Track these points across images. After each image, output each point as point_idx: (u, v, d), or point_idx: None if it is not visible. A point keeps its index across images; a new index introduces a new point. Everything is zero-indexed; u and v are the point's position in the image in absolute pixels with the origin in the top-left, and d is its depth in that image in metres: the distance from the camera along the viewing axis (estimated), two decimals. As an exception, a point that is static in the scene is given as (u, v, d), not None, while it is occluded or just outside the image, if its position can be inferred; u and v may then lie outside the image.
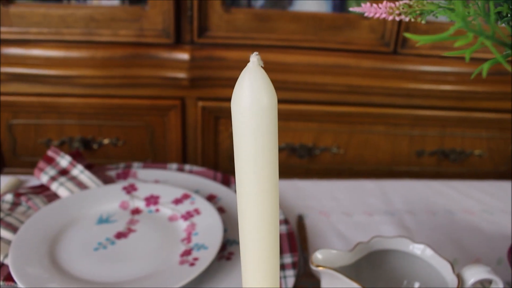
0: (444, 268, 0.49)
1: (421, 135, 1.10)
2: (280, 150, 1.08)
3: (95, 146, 1.10)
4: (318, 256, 0.48)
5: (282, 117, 1.05)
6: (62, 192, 0.74)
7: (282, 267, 0.60)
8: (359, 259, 0.51)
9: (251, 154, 0.30)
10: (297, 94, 1.02)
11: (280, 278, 0.58)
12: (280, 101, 0.95)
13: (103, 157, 1.10)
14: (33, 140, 1.10)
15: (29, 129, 1.08)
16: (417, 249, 0.52)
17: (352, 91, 1.01)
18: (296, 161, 1.09)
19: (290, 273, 0.59)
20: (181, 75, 0.99)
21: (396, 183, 0.90)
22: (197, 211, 0.67)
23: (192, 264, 0.56)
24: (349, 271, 0.49)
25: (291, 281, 0.57)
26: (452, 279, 0.47)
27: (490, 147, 1.14)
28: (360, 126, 1.07)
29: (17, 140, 1.09)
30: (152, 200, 0.71)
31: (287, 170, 1.09)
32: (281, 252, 0.63)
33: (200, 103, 1.03)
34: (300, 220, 0.74)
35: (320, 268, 0.46)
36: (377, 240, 0.53)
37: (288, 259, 0.61)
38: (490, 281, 0.50)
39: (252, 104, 0.28)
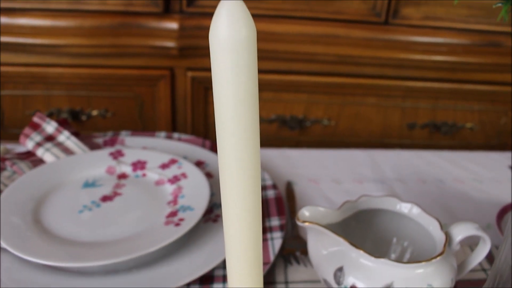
0: (431, 226, 0.49)
1: (413, 107, 1.09)
2: (271, 121, 1.07)
3: (83, 117, 1.08)
4: (305, 212, 0.47)
5: (273, 88, 1.04)
6: (48, 157, 0.73)
7: (270, 229, 0.60)
8: (346, 218, 0.51)
9: (230, 90, 0.29)
10: (288, 64, 1.01)
11: (267, 239, 0.58)
12: (270, 72, 0.94)
13: (92, 129, 1.08)
14: (21, 112, 1.09)
15: (17, 100, 1.07)
16: (405, 208, 0.51)
17: (343, 61, 1.00)
18: (287, 133, 1.08)
19: (278, 235, 0.58)
20: (170, 44, 0.97)
21: (387, 153, 0.89)
22: (184, 175, 0.66)
23: (177, 225, 0.55)
24: (336, 229, 0.49)
25: (278, 242, 0.57)
26: (440, 236, 0.47)
27: (482, 120, 1.13)
28: (351, 97, 1.06)
29: (5, 112, 1.08)
30: (139, 165, 0.70)
31: (277, 142, 1.08)
32: (269, 215, 0.63)
33: (190, 74, 1.02)
34: (289, 186, 0.73)
35: (307, 224, 0.45)
36: (364, 199, 0.52)
37: (275, 222, 0.61)
38: (477, 240, 0.50)
39: (230, 36, 0.27)
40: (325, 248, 0.46)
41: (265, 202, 0.66)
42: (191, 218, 0.55)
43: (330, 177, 0.79)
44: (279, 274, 0.55)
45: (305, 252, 0.58)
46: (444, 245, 0.45)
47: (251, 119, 0.30)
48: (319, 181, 0.77)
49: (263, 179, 0.72)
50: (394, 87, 1.05)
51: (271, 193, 0.68)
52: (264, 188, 0.69)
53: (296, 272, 0.56)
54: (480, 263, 0.59)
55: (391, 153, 0.89)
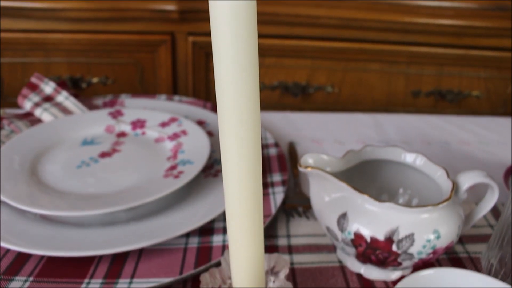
0: (438, 175, 0.47)
1: (418, 74, 1.07)
2: (273, 88, 1.05)
3: (84, 85, 1.07)
4: (308, 159, 0.46)
5: (274, 53, 1.02)
6: (46, 117, 0.71)
7: (272, 184, 0.59)
8: (350, 167, 0.49)
9: (230, 53, 0.27)
10: (290, 28, 0.99)
11: (269, 194, 0.57)
12: (272, 36, 0.91)
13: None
14: (20, 80, 1.07)
15: (16, 68, 1.05)
16: (410, 157, 0.50)
17: (346, 25, 0.98)
18: (289, 100, 1.07)
19: (279, 189, 0.57)
20: (170, 7, 0.95)
21: (391, 116, 0.88)
22: (184, 132, 0.65)
23: (176, 177, 0.54)
24: (339, 177, 0.47)
25: (280, 196, 0.56)
26: (447, 185, 0.45)
27: (488, 87, 1.11)
28: (354, 63, 1.04)
29: (4, 80, 1.06)
30: (138, 124, 0.69)
31: (280, 109, 1.07)
32: (271, 171, 0.62)
33: (191, 38, 1.00)
34: (292, 146, 0.72)
35: (309, 169, 0.44)
36: (368, 149, 0.51)
37: (277, 178, 0.60)
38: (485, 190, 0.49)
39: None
40: (328, 195, 0.45)
41: (267, 160, 0.64)
42: (191, 171, 0.54)
43: (333, 138, 0.77)
44: (281, 228, 0.54)
45: (307, 207, 0.57)
46: (451, 191, 0.43)
47: (251, 79, 0.28)
48: (322, 141, 0.76)
49: (265, 138, 0.70)
50: (398, 52, 1.03)
51: (273, 151, 0.66)
52: (266, 146, 0.68)
53: (298, 226, 0.55)
54: (486, 219, 0.58)
55: (396, 116, 0.88)
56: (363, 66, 1.05)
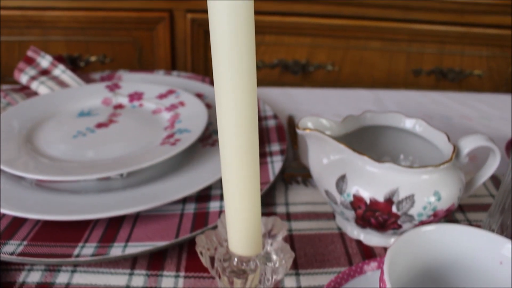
0: (439, 140, 0.47)
1: (419, 52, 1.06)
2: (273, 66, 1.04)
3: (82, 64, 1.06)
4: (306, 122, 0.45)
5: (274, 30, 1.01)
6: (42, 90, 0.71)
7: (270, 154, 0.58)
8: (349, 133, 0.48)
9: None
10: (290, 5, 0.98)
11: (267, 163, 0.56)
12: (271, 13, 0.90)
13: (90, 75, 1.06)
14: (17, 59, 1.06)
15: (13, 47, 1.04)
16: (410, 123, 0.49)
17: (347, 2, 0.97)
18: (289, 78, 1.06)
19: (278, 158, 0.56)
20: (169, -17, 0.94)
21: (392, 92, 0.87)
22: (182, 103, 0.64)
23: (173, 144, 0.53)
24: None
25: (278, 165, 0.55)
26: (448, 149, 0.45)
27: (490, 66, 1.10)
28: (355, 41, 1.03)
29: (1, 59, 1.05)
30: (135, 96, 0.68)
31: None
32: (269, 141, 0.61)
33: (189, 16, 0.99)
34: (291, 119, 0.71)
35: (307, 131, 0.43)
36: (368, 115, 0.50)
37: (276, 147, 0.59)
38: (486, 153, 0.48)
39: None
40: (327, 157, 0.44)
41: (265, 131, 0.64)
42: (188, 138, 0.53)
43: (333, 112, 0.76)
44: (280, 196, 0.54)
45: (306, 176, 0.56)
46: (452, 153, 0.43)
47: (247, 50, 0.28)
48: (322, 115, 0.75)
49: (263, 110, 0.69)
50: (399, 30, 1.02)
51: (272, 123, 0.66)
52: (264, 118, 0.67)
53: (296, 195, 0.54)
54: (487, 188, 0.57)
55: (397, 92, 0.87)
56: (364, 44, 1.04)
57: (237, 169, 0.33)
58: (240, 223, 0.37)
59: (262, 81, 1.03)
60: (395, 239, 0.31)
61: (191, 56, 1.03)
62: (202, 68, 1.05)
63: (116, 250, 0.42)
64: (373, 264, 0.40)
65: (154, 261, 0.44)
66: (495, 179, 0.60)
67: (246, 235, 0.37)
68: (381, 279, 0.29)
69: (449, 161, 0.42)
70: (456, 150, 0.44)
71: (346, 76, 1.06)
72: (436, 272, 0.34)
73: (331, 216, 0.51)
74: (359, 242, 0.47)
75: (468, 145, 0.45)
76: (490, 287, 0.33)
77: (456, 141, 0.46)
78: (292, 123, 0.69)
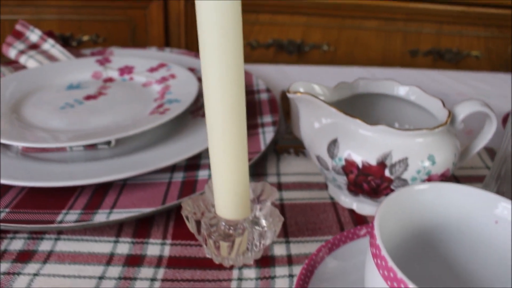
0: (434, 106, 0.45)
1: (416, 32, 1.04)
2: (268, 46, 1.03)
3: (74, 43, 1.04)
4: (298, 86, 0.43)
5: (269, 9, 1.00)
6: (31, 64, 0.69)
7: (262, 125, 0.57)
8: (341, 100, 0.47)
9: None
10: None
11: (259, 133, 0.55)
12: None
13: (83, 55, 1.05)
14: (9, 39, 1.04)
15: (4, 26, 1.02)
16: (404, 90, 0.48)
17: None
18: (284, 58, 1.04)
19: (270, 129, 0.55)
20: (162, -41, 0.92)
21: (387, 69, 0.85)
22: (172, 76, 0.63)
23: (162, 113, 0.52)
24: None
25: (270, 135, 0.54)
26: (443, 114, 0.43)
27: (488, 47, 1.09)
28: (350, 20, 1.02)
29: (-9, 40, 1.03)
30: (126, 70, 0.66)
31: (275, 68, 1.05)
32: (262, 113, 0.60)
33: (183, -7, 0.98)
34: (284, 94, 0.70)
35: (299, 94, 0.42)
36: (361, 82, 0.49)
37: (268, 119, 0.58)
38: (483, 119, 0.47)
39: None
40: (318, 121, 0.43)
41: (257, 104, 0.62)
42: (177, 108, 0.52)
43: (328, 88, 0.75)
44: (271, 167, 0.52)
45: (299, 148, 0.55)
46: (448, 117, 0.41)
47: (233, 14, 0.27)
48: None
49: (257, 85, 0.68)
50: (395, 9, 1.00)
51: (264, 96, 0.64)
52: (257, 92, 0.66)
53: (288, 165, 0.53)
54: (483, 160, 0.56)
55: (392, 70, 0.85)
56: (359, 24, 1.02)
57: (224, 127, 0.32)
58: (227, 185, 0.35)
59: (256, 61, 1.02)
60: (384, 200, 0.30)
61: (185, 34, 1.01)
62: (196, 47, 1.03)
63: (100, 217, 0.41)
64: (366, 229, 0.39)
65: (140, 229, 0.43)
66: (490, 151, 0.59)
67: (233, 199, 0.36)
68: (371, 235, 0.28)
69: (444, 125, 0.40)
70: (452, 116, 0.43)
71: (342, 56, 1.05)
72: (429, 232, 0.33)
73: (323, 186, 0.50)
74: (351, 211, 0.46)
75: (463, 110, 0.44)
76: (485, 248, 0.32)
77: (452, 107, 0.45)
78: (285, 98, 0.68)
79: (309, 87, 0.44)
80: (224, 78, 0.30)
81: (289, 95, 0.43)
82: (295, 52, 1.02)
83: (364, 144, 0.40)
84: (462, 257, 0.33)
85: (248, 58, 1.01)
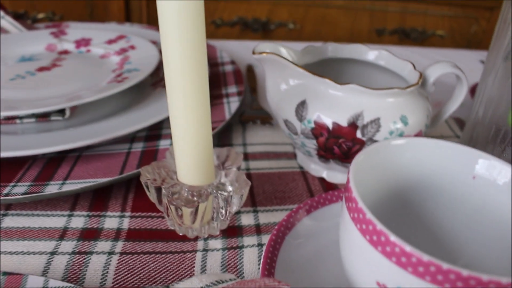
0: (404, 70, 0.44)
1: (382, 11, 1.03)
2: (233, 24, 1.00)
3: (28, 22, 0.99)
4: (264, 47, 0.41)
5: (234, -15, 0.97)
6: (-22, 37, 0.64)
7: (227, 95, 0.54)
8: (309, 64, 0.45)
9: None
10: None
11: (223, 103, 0.52)
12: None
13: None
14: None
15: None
16: (373, 55, 0.46)
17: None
18: (250, 36, 1.02)
19: (235, 99, 0.53)
20: None
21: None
22: (132, 47, 0.59)
23: (120, 82, 0.48)
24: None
25: (235, 105, 0.51)
26: (414, 76, 0.42)
27: (452, 27, 1.09)
28: (318, -2, 1.00)
29: None
30: (83, 42, 0.63)
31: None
32: (226, 84, 0.57)
33: (143, -32, 0.94)
34: (250, 68, 0.67)
35: (264, 55, 0.39)
36: (330, 47, 0.47)
37: (233, 89, 0.55)
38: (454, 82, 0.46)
39: None
40: (285, 83, 0.40)
41: (222, 75, 0.60)
42: (136, 76, 0.49)
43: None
44: (237, 137, 0.50)
45: (265, 119, 0.53)
46: (419, 78, 0.40)
47: None
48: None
49: (221, 57, 0.65)
50: (363, -14, 0.99)
51: (229, 68, 0.62)
52: (221, 64, 0.63)
53: (255, 136, 0.51)
54: (452, 130, 0.55)
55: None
56: (327, 2, 1.00)
57: (184, 86, 0.30)
58: (190, 148, 0.33)
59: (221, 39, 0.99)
60: (359, 153, 0.28)
61: (147, 9, 0.97)
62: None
63: (52, 188, 0.38)
64: (339, 194, 0.37)
65: (97, 202, 0.40)
66: (459, 121, 0.58)
67: (196, 163, 0.33)
68: (347, 188, 0.26)
69: (415, 85, 0.39)
70: (423, 78, 0.42)
71: (308, 35, 1.03)
72: (405, 190, 0.31)
73: (291, 155, 0.48)
74: (322, 180, 0.44)
75: (434, 72, 0.43)
76: (460, 205, 0.30)
77: (423, 70, 0.44)
78: (251, 71, 0.66)
79: (276, 49, 0.42)
80: (184, 36, 0.27)
81: (255, 56, 0.40)
82: (261, 30, 1.00)
83: (334, 105, 0.38)
84: (439, 214, 0.31)
85: (213, 36, 0.98)
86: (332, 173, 0.43)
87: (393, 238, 0.21)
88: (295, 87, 0.40)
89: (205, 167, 0.34)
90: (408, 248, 0.21)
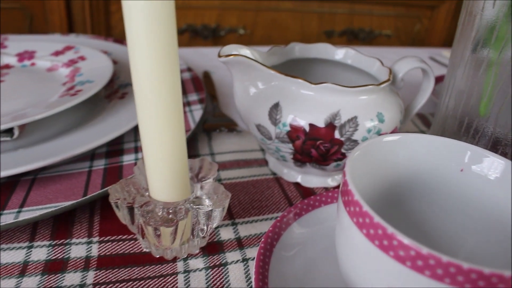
0: (373, 67, 0.43)
1: (330, 13, 1.04)
2: (181, 32, 0.97)
3: (-41, 39, 0.92)
4: (230, 49, 0.39)
5: (181, -8, 0.94)
6: None
7: (188, 104, 0.52)
8: (276, 65, 0.43)
9: None
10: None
11: (186, 112, 0.49)
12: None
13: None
14: None
15: None
16: (340, 53, 0.45)
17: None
18: (200, 44, 0.99)
19: (197, 107, 0.50)
20: None
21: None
22: (82, 58, 0.55)
23: (73, 95, 0.45)
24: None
25: (198, 113, 0.49)
26: (384, 72, 0.41)
27: (397, 26, 1.11)
28: (267, 2, 0.99)
29: None
30: (26, 55, 0.58)
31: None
32: (186, 92, 0.54)
33: (84, -23, 0.89)
34: (207, 74, 0.65)
35: (232, 57, 0.37)
36: (296, 46, 0.45)
37: (194, 97, 0.53)
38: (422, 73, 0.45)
39: None
40: (255, 86, 0.38)
41: (181, 83, 0.57)
42: (91, 88, 0.45)
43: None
44: (203, 147, 0.48)
45: (229, 125, 0.51)
46: (389, 74, 0.39)
47: None
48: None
49: (176, 65, 0.63)
50: (310, -12, 0.99)
51: (186, 75, 0.59)
52: (178, 72, 0.60)
53: (221, 144, 0.48)
54: (417, 126, 0.55)
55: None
56: (276, 5, 1.00)
57: (155, 97, 0.27)
58: (163, 163, 0.30)
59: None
60: (354, 149, 0.26)
61: (91, 23, 0.93)
62: (105, 32, 0.95)
63: (7, 218, 0.34)
64: (321, 198, 0.35)
65: (59, 228, 0.36)
66: (423, 118, 0.58)
67: (171, 177, 0.31)
68: (343, 182, 0.24)
69: (388, 81, 0.38)
70: (392, 73, 0.41)
71: (259, 39, 1.02)
72: (400, 185, 0.30)
73: (262, 162, 0.46)
74: (297, 185, 0.42)
75: (402, 68, 0.42)
76: (449, 198, 0.30)
77: (391, 66, 0.43)
78: (208, 78, 0.63)
79: (240, 51, 0.40)
80: (157, 43, 0.25)
81: (221, 59, 0.38)
82: (210, 37, 0.98)
83: (309, 105, 0.36)
84: (434, 209, 0.30)
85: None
86: (307, 178, 0.42)
87: (390, 230, 0.20)
88: (266, 89, 0.38)
89: (180, 181, 0.31)
90: (406, 240, 0.19)
